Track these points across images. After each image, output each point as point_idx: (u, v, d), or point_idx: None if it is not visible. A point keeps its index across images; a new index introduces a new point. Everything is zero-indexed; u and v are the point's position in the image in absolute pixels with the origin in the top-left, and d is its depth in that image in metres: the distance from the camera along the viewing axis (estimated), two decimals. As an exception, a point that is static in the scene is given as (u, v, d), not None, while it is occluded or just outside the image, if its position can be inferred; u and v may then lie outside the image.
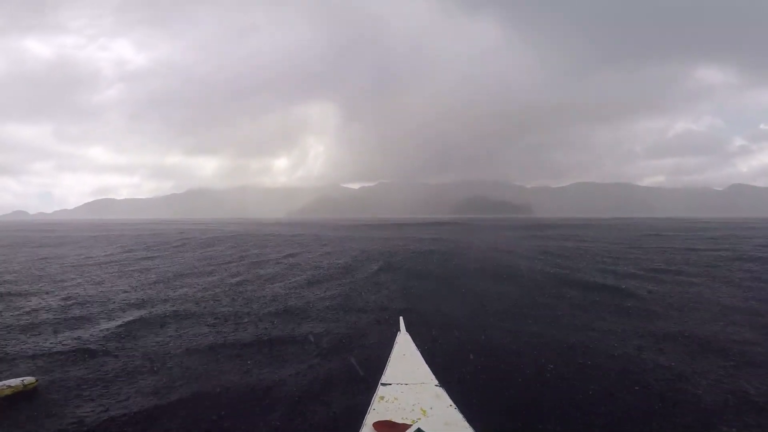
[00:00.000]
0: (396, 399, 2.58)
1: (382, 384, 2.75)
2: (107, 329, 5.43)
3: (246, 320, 5.92)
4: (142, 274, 10.30)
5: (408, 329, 3.91)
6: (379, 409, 2.44)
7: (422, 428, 2.21)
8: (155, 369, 4.12)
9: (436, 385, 2.71)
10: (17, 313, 6.31)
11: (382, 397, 2.59)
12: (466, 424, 2.26)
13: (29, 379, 3.61)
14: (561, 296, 7.48)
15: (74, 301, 7.11)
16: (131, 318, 5.97)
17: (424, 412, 2.42)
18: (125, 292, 7.99)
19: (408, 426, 2.23)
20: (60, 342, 4.90)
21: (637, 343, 4.89)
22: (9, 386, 3.47)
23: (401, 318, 4.20)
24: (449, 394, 2.60)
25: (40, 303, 6.95)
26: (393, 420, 2.30)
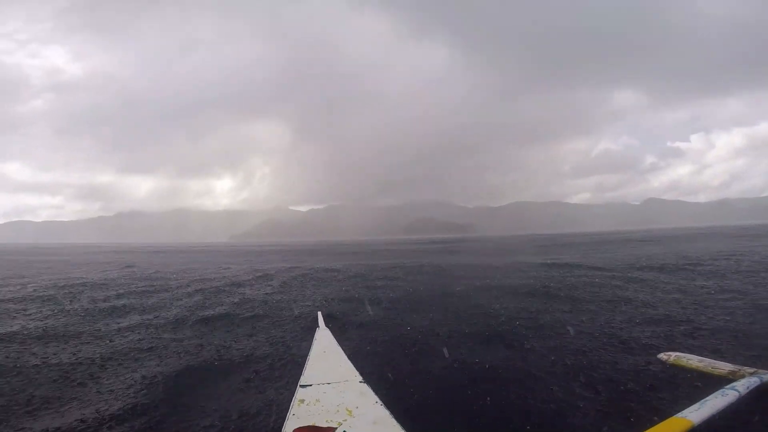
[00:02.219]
0: (318, 401, 2.42)
1: (302, 386, 2.61)
2: None
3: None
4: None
5: (328, 325, 3.76)
6: (299, 414, 2.28)
7: (348, 430, 2.11)
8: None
9: (361, 382, 2.63)
10: None
11: (302, 400, 2.44)
12: (395, 422, 2.18)
13: None
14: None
15: None
16: None
17: (350, 412, 2.30)
18: None
19: (333, 429, 2.08)
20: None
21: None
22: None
23: (319, 313, 4.08)
24: (374, 391, 2.52)
25: None
26: (316, 424, 2.15)
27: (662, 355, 4.31)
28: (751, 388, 3.08)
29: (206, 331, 5.85)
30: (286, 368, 3.81)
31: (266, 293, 9.49)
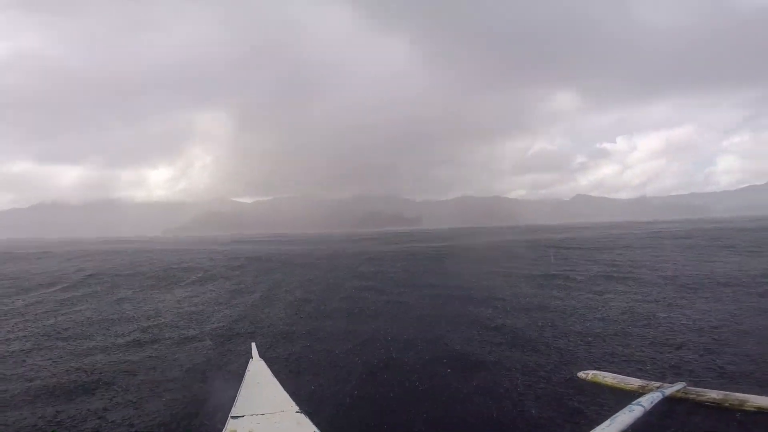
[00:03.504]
0: None
1: (233, 417, 2.46)
2: None
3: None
4: None
5: (262, 355, 3.66)
6: None
7: None
8: None
9: (298, 412, 2.53)
10: None
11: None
12: None
13: None
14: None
15: None
16: None
17: None
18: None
19: None
20: None
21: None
22: None
23: (253, 344, 3.94)
24: (312, 420, 2.46)
25: None
26: None
27: (581, 374, 4.51)
28: (654, 402, 3.31)
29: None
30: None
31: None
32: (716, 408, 3.60)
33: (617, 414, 2.96)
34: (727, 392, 3.70)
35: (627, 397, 3.74)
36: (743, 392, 3.70)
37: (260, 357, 3.80)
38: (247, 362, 3.64)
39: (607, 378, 4.29)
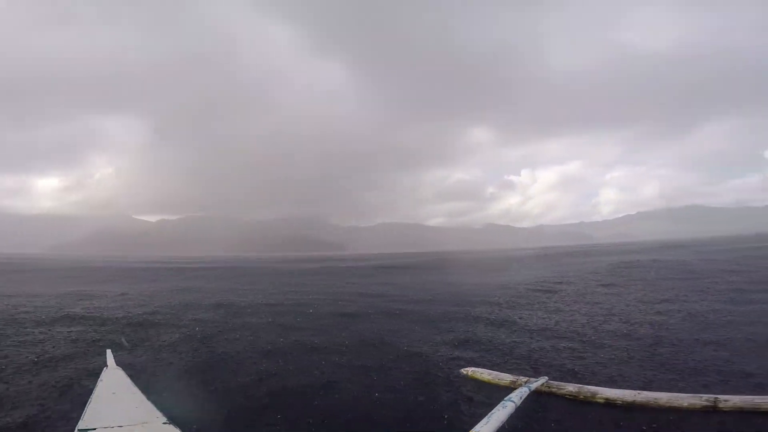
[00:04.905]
0: None
1: (81, 430, 2.25)
2: None
3: None
4: None
5: (120, 363, 3.24)
6: None
7: None
8: None
9: (165, 423, 2.26)
10: None
11: None
12: None
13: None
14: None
15: None
16: None
17: None
18: None
19: None
20: None
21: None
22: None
23: (109, 351, 3.50)
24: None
25: None
26: None
27: (462, 370, 4.85)
28: (523, 397, 3.65)
29: None
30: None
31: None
32: (573, 400, 4.08)
33: (493, 411, 3.18)
34: (581, 385, 4.23)
35: (501, 390, 4.11)
36: (594, 386, 4.22)
37: (117, 365, 3.38)
38: (101, 371, 3.21)
39: (484, 374, 4.69)
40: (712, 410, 3.49)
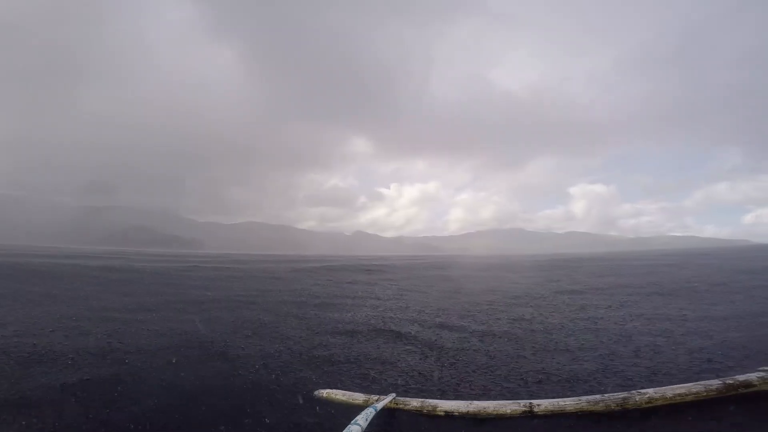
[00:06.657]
0: None
1: None
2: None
3: None
4: None
5: None
6: None
7: None
8: None
9: None
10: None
11: None
12: None
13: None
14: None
15: None
16: None
17: None
18: None
19: None
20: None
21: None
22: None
23: None
24: None
25: None
26: None
27: (317, 392, 4.59)
28: (369, 418, 3.48)
29: None
30: None
31: None
32: (418, 414, 4.19)
33: None
34: (424, 399, 4.39)
35: (355, 410, 3.96)
36: (436, 399, 4.43)
37: None
38: None
39: (338, 395, 4.53)
40: (530, 415, 4.01)
